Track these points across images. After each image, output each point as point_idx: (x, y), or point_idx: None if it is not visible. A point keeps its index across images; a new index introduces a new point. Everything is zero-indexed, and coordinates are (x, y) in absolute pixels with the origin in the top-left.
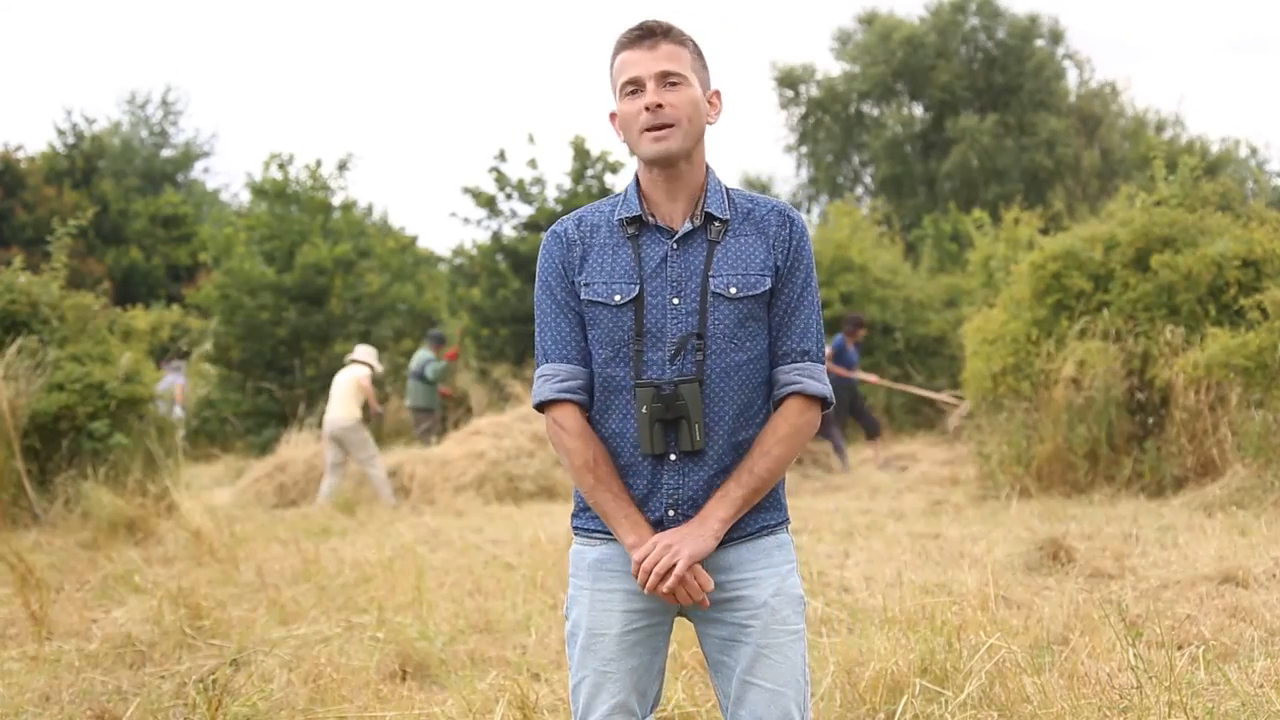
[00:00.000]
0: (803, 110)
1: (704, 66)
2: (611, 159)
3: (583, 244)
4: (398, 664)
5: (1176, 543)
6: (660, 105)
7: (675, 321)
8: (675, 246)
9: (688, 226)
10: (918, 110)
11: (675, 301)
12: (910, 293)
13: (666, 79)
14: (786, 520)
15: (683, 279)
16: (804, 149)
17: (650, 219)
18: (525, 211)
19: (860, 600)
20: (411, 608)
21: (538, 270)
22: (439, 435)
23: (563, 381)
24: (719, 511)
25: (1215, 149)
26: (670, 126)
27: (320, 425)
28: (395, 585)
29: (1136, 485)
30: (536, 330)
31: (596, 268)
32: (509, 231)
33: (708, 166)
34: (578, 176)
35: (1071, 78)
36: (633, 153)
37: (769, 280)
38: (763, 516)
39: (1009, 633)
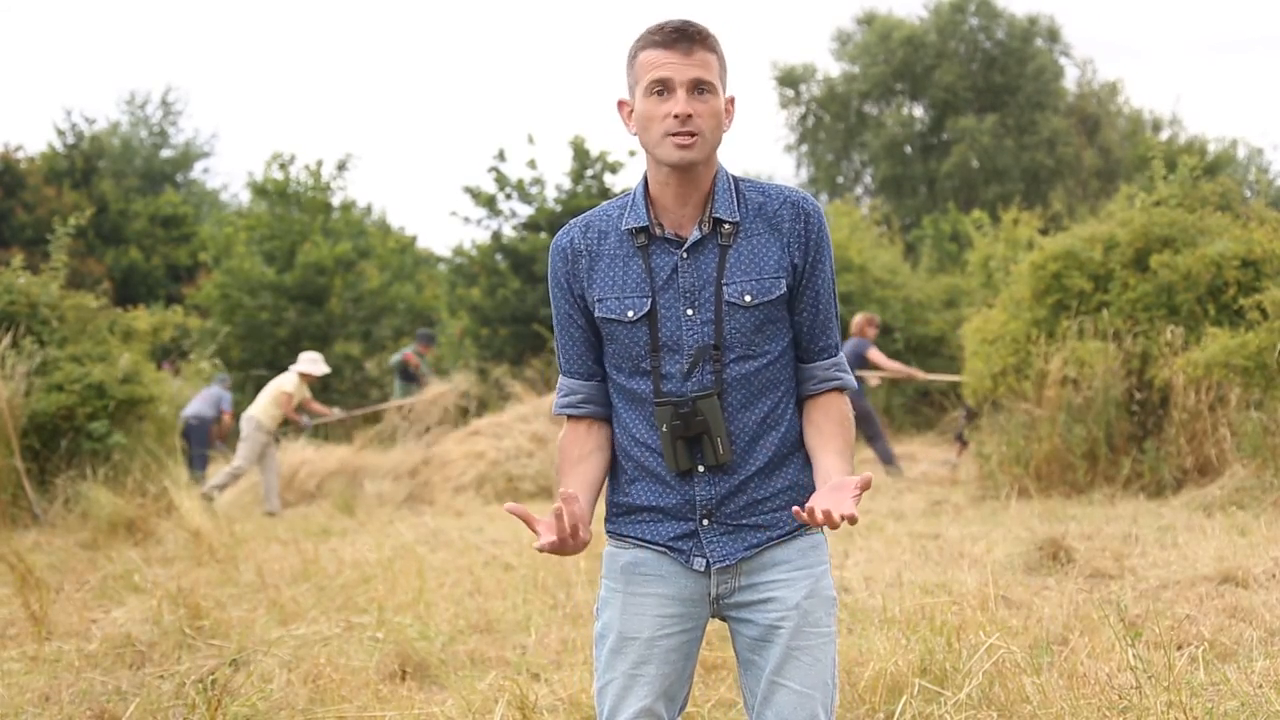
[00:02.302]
0: (803, 110)
1: (726, 71)
2: (611, 159)
3: (589, 254)
4: (398, 664)
5: (1176, 543)
6: (690, 115)
7: (691, 333)
8: (685, 256)
9: (696, 235)
10: (918, 110)
11: (690, 313)
12: (910, 293)
13: (698, 87)
14: None
15: (695, 289)
16: (804, 149)
17: (658, 229)
18: (525, 211)
19: (860, 600)
20: (411, 608)
21: (548, 282)
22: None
23: (565, 396)
24: (842, 466)
25: (1214, 149)
26: (696, 136)
27: (317, 426)
28: (395, 585)
29: (1136, 485)
30: (555, 339)
31: (608, 282)
32: (509, 231)
33: (719, 166)
34: (577, 177)
35: (1071, 77)
36: (645, 149)
37: (784, 283)
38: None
39: (1008, 633)
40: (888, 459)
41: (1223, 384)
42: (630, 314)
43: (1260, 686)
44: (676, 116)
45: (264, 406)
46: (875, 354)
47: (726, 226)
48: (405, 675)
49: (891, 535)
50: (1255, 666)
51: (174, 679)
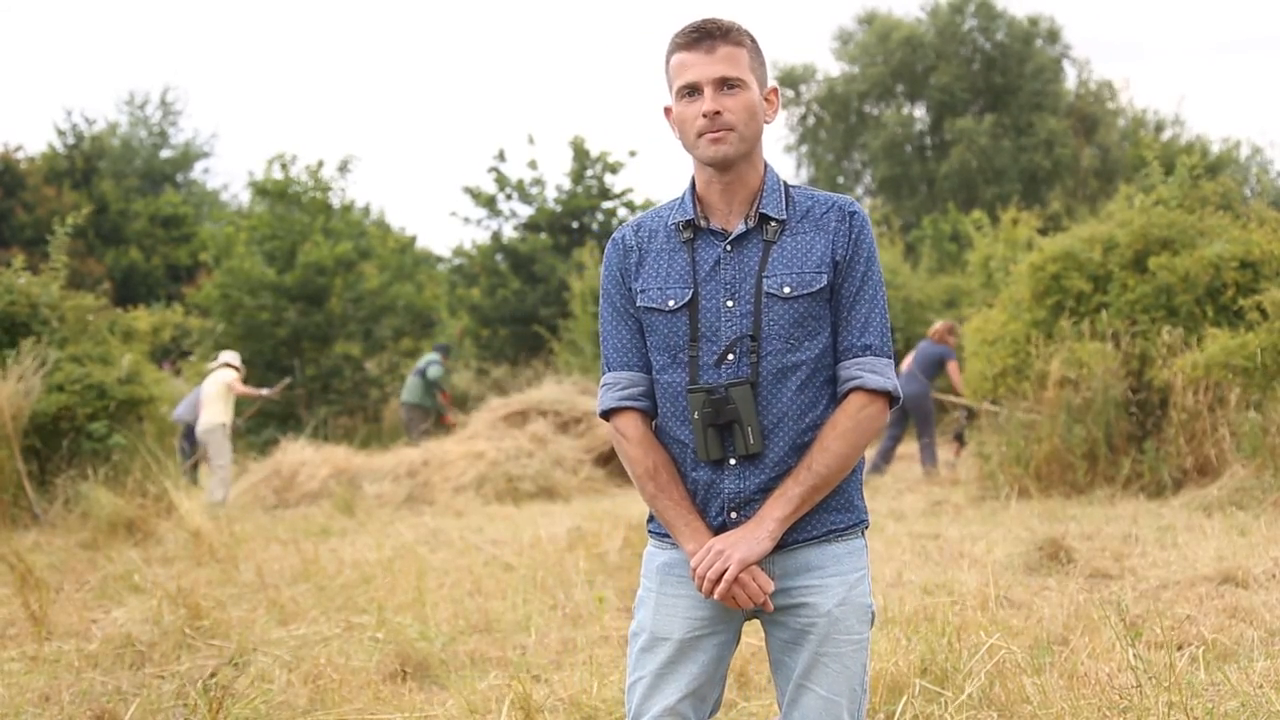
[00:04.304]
0: (803, 110)
1: (761, 64)
2: (611, 159)
3: (639, 250)
4: (398, 664)
5: (1176, 543)
6: (718, 112)
7: (729, 324)
8: (729, 249)
9: (741, 228)
10: (918, 111)
11: (729, 304)
12: (910, 293)
13: (725, 84)
14: (860, 523)
15: (736, 281)
16: (804, 149)
17: (704, 222)
18: (525, 212)
19: None
20: (411, 608)
21: (600, 280)
22: (424, 435)
23: (624, 389)
24: (775, 511)
25: (1216, 149)
26: (728, 131)
27: (315, 429)
28: (395, 585)
29: (1136, 485)
30: (600, 339)
31: (652, 274)
32: (509, 231)
33: (766, 165)
34: (577, 177)
35: (1070, 78)
36: (689, 153)
37: (825, 277)
38: (831, 518)
39: (1009, 633)
40: (929, 460)
41: (1222, 384)
42: (671, 303)
43: (1260, 686)
44: (705, 115)
45: (217, 410)
46: (954, 366)
47: (772, 224)
48: (405, 675)
49: (891, 535)
50: (1255, 666)
51: (174, 679)
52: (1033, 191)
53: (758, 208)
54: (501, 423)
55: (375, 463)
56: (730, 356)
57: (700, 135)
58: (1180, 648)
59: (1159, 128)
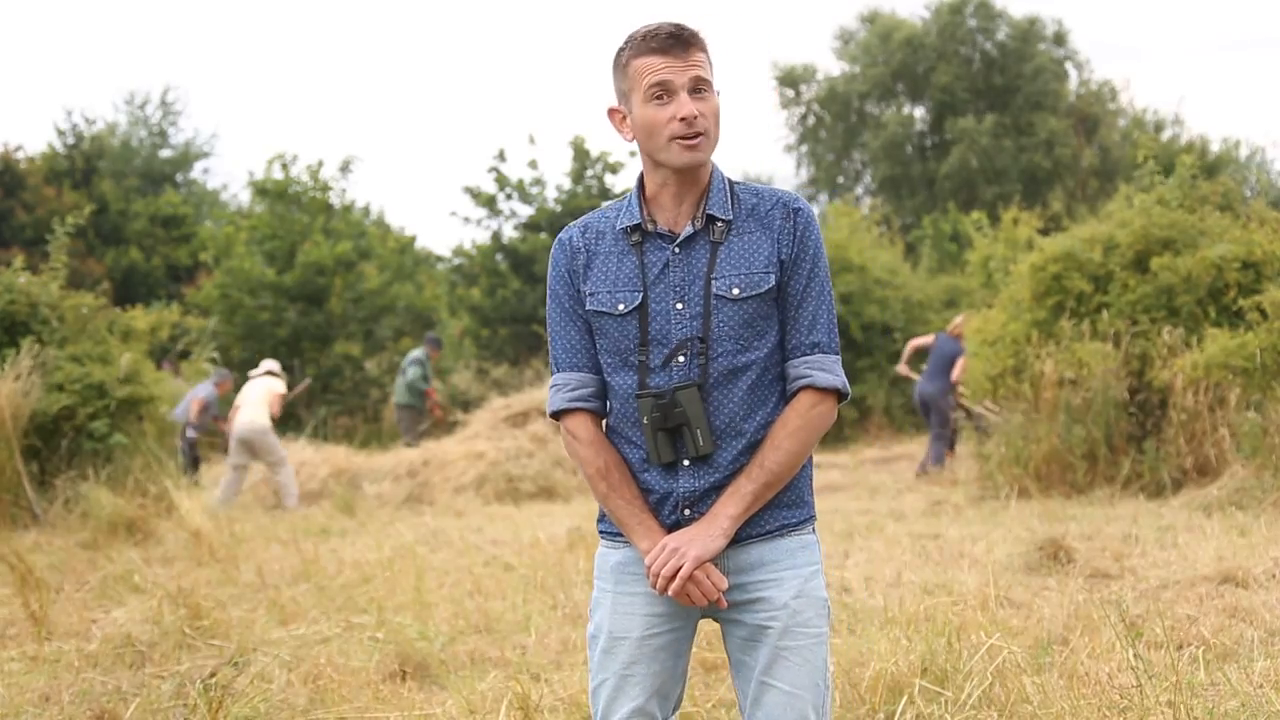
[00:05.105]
0: (803, 110)
1: (713, 69)
2: (611, 159)
3: (587, 251)
4: (398, 664)
5: (1176, 543)
6: (697, 116)
7: (679, 327)
8: (677, 251)
9: (689, 230)
10: (918, 111)
11: (679, 307)
12: (910, 293)
13: (697, 87)
14: (811, 518)
15: (685, 283)
16: (804, 148)
17: (651, 226)
18: (525, 211)
19: (860, 600)
20: (411, 608)
21: (547, 280)
22: (421, 436)
23: (574, 390)
24: (728, 508)
25: (1216, 148)
26: (701, 136)
27: (315, 429)
28: (395, 585)
29: (1136, 486)
30: (549, 340)
31: (601, 277)
32: (509, 231)
33: (714, 165)
34: (577, 177)
35: (1071, 78)
36: (650, 157)
37: (773, 277)
38: (783, 514)
39: (1009, 633)
40: (936, 460)
41: (1222, 385)
42: (621, 307)
43: (1260, 686)
44: (683, 119)
45: (261, 411)
46: (961, 363)
47: (719, 224)
48: (405, 675)
49: (891, 535)
50: (1255, 666)
51: (174, 679)
52: (1033, 191)
53: (704, 209)
54: (502, 423)
55: (375, 463)
56: (680, 359)
57: (673, 139)
58: (1180, 648)
59: (1159, 128)
